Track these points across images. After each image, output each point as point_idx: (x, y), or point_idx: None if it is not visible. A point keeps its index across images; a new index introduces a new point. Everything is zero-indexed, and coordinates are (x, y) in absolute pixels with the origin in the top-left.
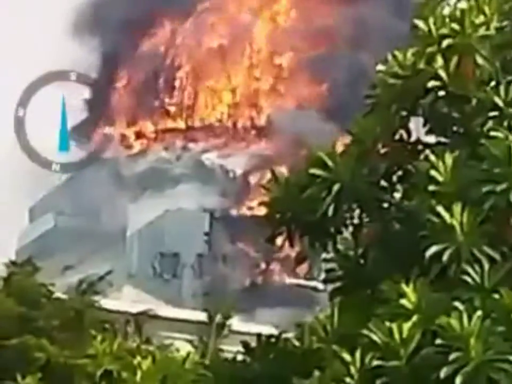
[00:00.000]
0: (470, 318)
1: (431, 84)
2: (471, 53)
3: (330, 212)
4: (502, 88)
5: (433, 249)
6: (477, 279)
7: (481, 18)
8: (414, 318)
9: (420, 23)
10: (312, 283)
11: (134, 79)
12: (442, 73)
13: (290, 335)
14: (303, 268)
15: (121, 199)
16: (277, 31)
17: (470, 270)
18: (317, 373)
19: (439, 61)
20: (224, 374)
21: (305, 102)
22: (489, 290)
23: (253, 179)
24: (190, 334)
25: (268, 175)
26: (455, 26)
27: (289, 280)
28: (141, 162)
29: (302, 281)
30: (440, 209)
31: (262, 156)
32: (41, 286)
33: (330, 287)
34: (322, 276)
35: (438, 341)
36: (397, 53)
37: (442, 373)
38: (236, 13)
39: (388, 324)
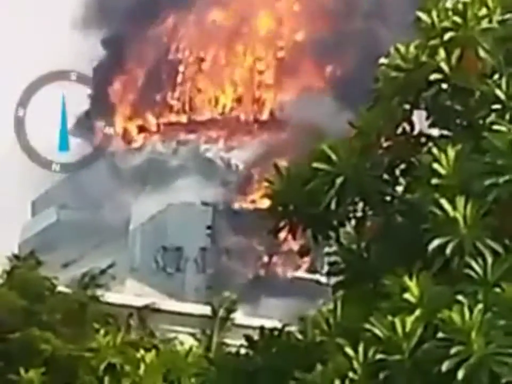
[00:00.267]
0: (471, 311)
1: (434, 76)
2: (474, 45)
3: (333, 205)
4: (504, 81)
5: (436, 242)
6: (480, 272)
7: (483, 11)
8: (417, 312)
9: (423, 16)
10: (315, 276)
11: (136, 73)
12: (444, 66)
13: (293, 328)
14: (305, 261)
15: (124, 193)
16: (281, 21)
17: (473, 264)
18: (319, 367)
19: (442, 53)
20: (227, 368)
21: (314, 88)
22: (492, 284)
23: (255, 172)
24: (193, 327)
25: (271, 168)
26: (457, 19)
27: (292, 274)
28: (143, 156)
29: (304, 275)
30: (443, 202)
31: (265, 149)
32: (45, 279)
33: (333, 280)
34: (325, 269)
35: (440, 335)
36: (399, 45)
37: (444, 367)
38: (238, 5)
39: (390, 318)
